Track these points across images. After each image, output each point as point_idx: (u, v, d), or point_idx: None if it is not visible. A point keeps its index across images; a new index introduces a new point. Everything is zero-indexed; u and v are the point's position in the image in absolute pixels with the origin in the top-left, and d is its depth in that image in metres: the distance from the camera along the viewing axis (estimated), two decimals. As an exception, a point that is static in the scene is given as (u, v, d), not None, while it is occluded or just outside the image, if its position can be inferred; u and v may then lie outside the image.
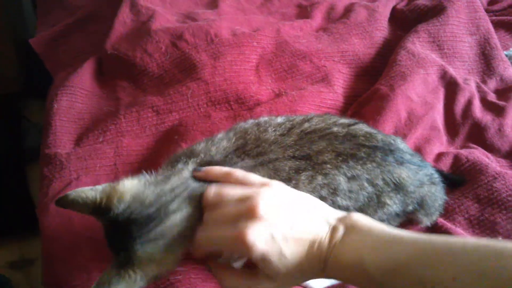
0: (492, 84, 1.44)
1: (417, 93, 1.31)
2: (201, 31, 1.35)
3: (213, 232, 0.72)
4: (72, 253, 1.02)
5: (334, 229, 0.69)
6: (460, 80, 1.37)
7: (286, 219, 0.69)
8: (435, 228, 1.06)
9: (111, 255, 1.00)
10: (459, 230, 1.06)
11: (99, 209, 0.76)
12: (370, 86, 1.36)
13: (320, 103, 1.29)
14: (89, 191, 0.78)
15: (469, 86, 1.37)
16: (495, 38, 1.48)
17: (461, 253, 0.59)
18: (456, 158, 1.18)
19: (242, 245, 0.67)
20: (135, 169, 1.18)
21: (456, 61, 1.43)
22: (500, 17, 1.65)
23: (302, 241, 0.68)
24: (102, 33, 1.43)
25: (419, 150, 1.20)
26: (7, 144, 1.85)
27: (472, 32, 1.47)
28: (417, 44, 1.41)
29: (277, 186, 0.73)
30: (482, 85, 1.41)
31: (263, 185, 0.73)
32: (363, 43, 1.44)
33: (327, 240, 0.68)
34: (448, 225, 1.07)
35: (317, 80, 1.34)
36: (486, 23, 1.50)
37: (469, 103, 1.33)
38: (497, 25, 1.61)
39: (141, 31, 1.38)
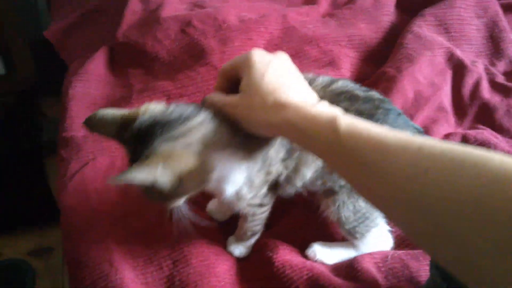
0: (501, 66, 1.44)
1: (423, 74, 1.32)
2: (209, 18, 1.38)
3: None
4: (90, 228, 1.05)
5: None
6: (467, 62, 1.37)
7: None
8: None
9: (127, 228, 1.05)
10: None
11: (126, 122, 0.79)
12: (377, 70, 1.37)
13: (327, 86, 1.31)
14: (117, 110, 0.81)
15: (477, 68, 1.38)
16: (503, 20, 1.48)
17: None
18: (464, 138, 1.19)
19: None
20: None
21: (464, 44, 1.44)
22: (509, 0, 1.65)
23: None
24: (112, 23, 1.46)
25: (426, 130, 1.21)
26: (26, 138, 1.90)
27: (479, 15, 1.47)
28: (424, 28, 1.42)
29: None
30: (491, 67, 1.41)
31: None
32: (370, 27, 1.45)
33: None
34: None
35: (325, 64, 1.36)
36: (494, 5, 1.50)
37: (477, 85, 1.34)
38: (506, 8, 1.60)
39: (151, 19, 1.41)
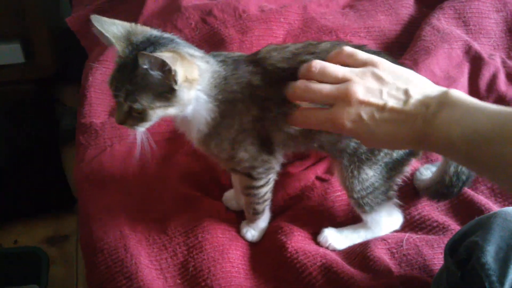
0: (518, 59, 1.44)
1: (440, 67, 1.32)
2: (229, 7, 1.39)
3: (309, 113, 0.80)
4: (106, 214, 1.07)
5: (427, 106, 0.70)
6: (485, 55, 1.37)
7: (381, 98, 0.72)
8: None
9: (142, 215, 1.06)
10: (481, 197, 1.08)
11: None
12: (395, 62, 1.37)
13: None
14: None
15: (494, 61, 1.37)
16: (522, 14, 1.48)
17: None
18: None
19: (335, 127, 0.75)
20: (166, 138, 1.23)
21: (482, 37, 1.43)
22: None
23: (394, 120, 0.71)
24: (134, 12, 1.48)
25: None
26: (43, 126, 1.92)
27: (498, 8, 1.46)
28: (442, 20, 1.41)
29: (382, 64, 0.76)
30: (508, 60, 1.40)
31: (366, 64, 0.76)
32: (389, 19, 1.45)
33: (419, 118, 0.69)
34: (471, 193, 1.08)
35: (343, 55, 1.37)
36: (513, -1, 1.49)
37: (494, 77, 1.33)
38: (525, 3, 1.60)
39: (172, 8, 1.43)
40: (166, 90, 0.81)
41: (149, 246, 1.02)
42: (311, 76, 0.78)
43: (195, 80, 0.84)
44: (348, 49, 0.79)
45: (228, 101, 0.89)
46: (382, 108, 0.71)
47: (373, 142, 0.76)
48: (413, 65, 1.30)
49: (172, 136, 1.22)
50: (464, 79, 1.33)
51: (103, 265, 0.98)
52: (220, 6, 1.40)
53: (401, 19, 1.47)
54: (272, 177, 1.01)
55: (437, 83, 1.25)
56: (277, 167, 1.00)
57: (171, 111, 0.85)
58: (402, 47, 1.42)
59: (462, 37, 1.39)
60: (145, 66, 0.77)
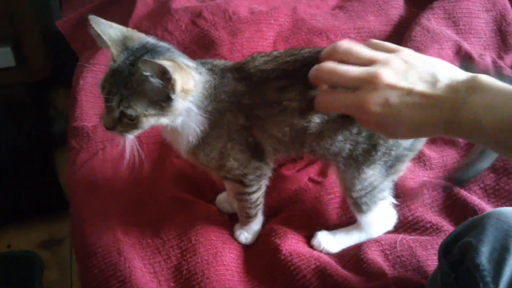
0: (509, 59, 1.44)
1: (431, 68, 1.32)
2: (219, 9, 1.39)
3: (333, 96, 0.79)
4: (98, 217, 1.07)
5: (456, 91, 0.69)
6: (475, 55, 1.38)
7: (408, 82, 0.71)
8: (450, 195, 1.08)
9: (135, 218, 1.06)
10: (474, 198, 1.08)
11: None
12: (386, 62, 1.38)
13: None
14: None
15: (485, 61, 1.38)
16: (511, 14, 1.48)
17: None
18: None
19: (360, 111, 0.74)
20: (158, 141, 1.23)
21: (472, 37, 1.44)
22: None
23: (422, 105, 0.70)
24: (124, 15, 1.47)
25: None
26: (36, 130, 1.91)
27: (488, 8, 1.47)
28: (432, 21, 1.42)
29: (408, 50, 0.77)
30: (498, 60, 1.41)
31: (392, 51, 0.77)
32: (379, 20, 1.46)
33: (448, 103, 0.69)
34: (464, 193, 1.09)
35: (334, 55, 1.37)
36: (503, -1, 1.50)
37: (484, 78, 1.34)
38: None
39: (162, 10, 1.43)
40: (161, 99, 0.81)
41: (142, 249, 1.02)
42: (335, 57, 0.78)
43: (190, 91, 0.83)
44: (375, 40, 0.81)
45: (217, 111, 0.89)
46: (410, 92, 0.71)
47: (398, 129, 0.75)
48: (404, 66, 1.30)
49: (163, 139, 1.22)
50: (454, 80, 1.33)
51: (96, 269, 0.98)
52: (210, 9, 1.40)
53: (391, 20, 1.47)
54: (264, 182, 1.00)
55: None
56: (268, 173, 1.00)
57: (163, 120, 0.85)
58: (393, 47, 1.42)
59: (452, 37, 1.39)
60: (146, 73, 0.76)
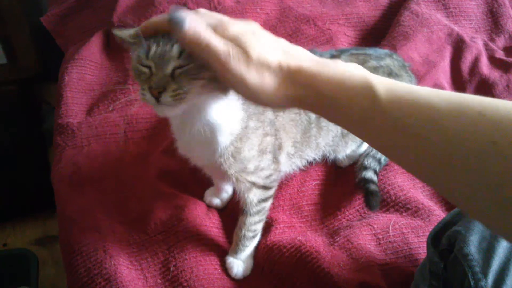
0: (501, 41, 1.43)
1: (419, 52, 1.31)
2: (204, -1, 1.37)
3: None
4: (84, 215, 1.05)
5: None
6: (467, 38, 1.36)
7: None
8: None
9: (121, 215, 1.05)
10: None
11: None
12: (376, 48, 1.36)
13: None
14: None
15: (476, 44, 1.36)
16: (503, -5, 1.46)
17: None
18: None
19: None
20: (144, 136, 1.21)
21: (463, 20, 1.42)
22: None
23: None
24: (108, 8, 1.45)
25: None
26: (29, 127, 1.90)
27: (479, -10, 1.45)
28: (422, 5, 1.40)
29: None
30: (490, 43, 1.39)
31: None
32: (368, 5, 1.44)
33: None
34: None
35: (322, 42, 1.35)
36: (494, -20, 1.47)
37: (476, 61, 1.32)
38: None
39: (146, 2, 1.40)
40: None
41: (129, 246, 1.00)
42: None
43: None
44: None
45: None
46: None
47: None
48: (392, 51, 1.28)
49: (150, 134, 1.20)
50: (444, 63, 1.32)
51: (82, 268, 0.96)
52: (194, -1, 1.37)
53: (380, 5, 1.45)
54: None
55: (416, 68, 1.26)
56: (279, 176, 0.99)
57: (215, 93, 0.72)
58: (382, 33, 1.41)
59: (442, 21, 1.37)
60: None
